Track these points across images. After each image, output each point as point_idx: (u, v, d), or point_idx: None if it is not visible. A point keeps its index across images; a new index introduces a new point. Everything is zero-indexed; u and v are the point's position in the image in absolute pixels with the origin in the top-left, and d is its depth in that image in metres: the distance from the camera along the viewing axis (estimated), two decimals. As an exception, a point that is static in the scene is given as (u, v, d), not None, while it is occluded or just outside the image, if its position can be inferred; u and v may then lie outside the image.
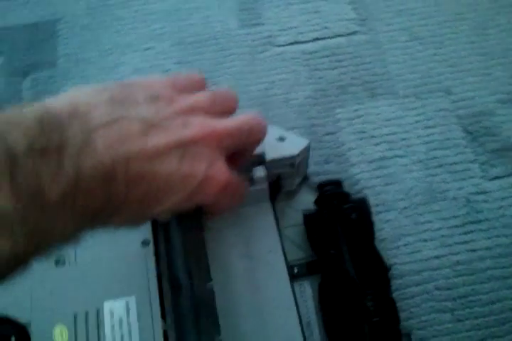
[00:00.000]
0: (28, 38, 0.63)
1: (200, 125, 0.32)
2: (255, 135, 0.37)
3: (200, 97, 0.34)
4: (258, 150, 0.43)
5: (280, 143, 0.44)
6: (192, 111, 0.33)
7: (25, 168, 0.23)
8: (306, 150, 0.45)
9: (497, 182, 0.51)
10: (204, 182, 0.32)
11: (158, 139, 0.30)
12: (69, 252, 0.39)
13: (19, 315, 0.36)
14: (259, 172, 0.43)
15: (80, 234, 0.28)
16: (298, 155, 0.44)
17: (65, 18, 0.64)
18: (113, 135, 0.28)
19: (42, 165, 0.24)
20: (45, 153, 0.24)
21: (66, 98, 0.28)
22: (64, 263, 0.38)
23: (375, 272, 0.43)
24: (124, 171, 0.27)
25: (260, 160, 0.43)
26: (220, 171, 0.33)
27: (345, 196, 0.46)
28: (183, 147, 0.31)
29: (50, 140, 0.25)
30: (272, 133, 0.45)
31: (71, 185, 0.25)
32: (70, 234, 0.27)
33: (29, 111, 0.25)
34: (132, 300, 0.37)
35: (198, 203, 0.34)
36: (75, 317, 0.36)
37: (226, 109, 0.36)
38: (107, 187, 0.27)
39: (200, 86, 0.37)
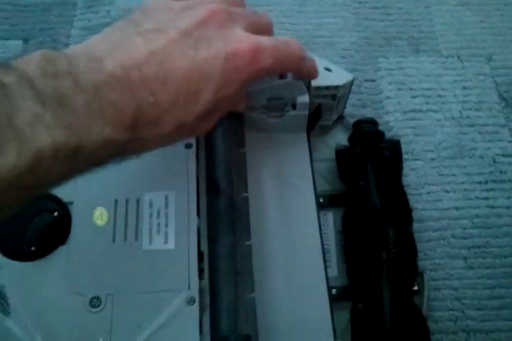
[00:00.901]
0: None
1: (241, 38, 0.30)
2: (291, 57, 0.34)
3: (240, 10, 0.32)
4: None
5: (326, 73, 0.45)
6: (232, 19, 0.31)
7: (43, 85, 0.23)
8: (350, 84, 0.46)
9: (524, 148, 0.53)
10: (229, 59, 0.29)
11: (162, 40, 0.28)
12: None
13: (62, 194, 0.38)
14: (304, 98, 0.44)
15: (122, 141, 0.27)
16: (343, 86, 0.45)
17: None
18: (117, 47, 0.27)
19: (59, 83, 0.24)
20: (58, 76, 0.24)
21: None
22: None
23: (399, 208, 0.44)
24: (139, 78, 0.27)
25: (306, 85, 0.44)
26: (241, 40, 0.30)
27: (381, 134, 0.47)
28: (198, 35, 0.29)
29: (59, 66, 0.24)
30: (320, 63, 0.46)
31: (93, 94, 0.25)
32: (109, 139, 0.26)
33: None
34: (171, 195, 0.38)
35: (242, 81, 0.31)
36: (116, 202, 0.37)
37: (264, 28, 0.34)
38: (130, 96, 0.26)
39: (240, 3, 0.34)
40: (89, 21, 0.58)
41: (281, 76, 0.42)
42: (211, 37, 0.29)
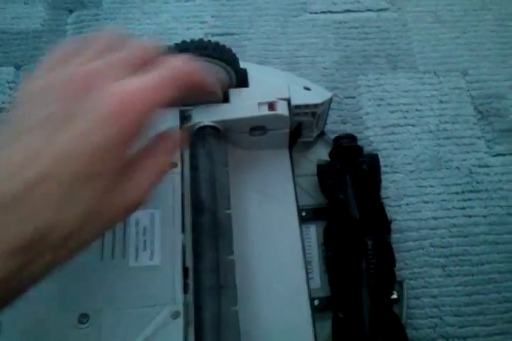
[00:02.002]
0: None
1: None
2: (183, 79, 0.29)
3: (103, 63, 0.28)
4: (284, 95, 0.45)
5: (306, 92, 0.46)
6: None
7: None
8: (329, 102, 0.47)
9: (500, 158, 0.54)
10: (108, 123, 0.26)
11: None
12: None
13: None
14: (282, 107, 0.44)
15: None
16: (322, 104, 0.46)
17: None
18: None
19: None
20: None
21: None
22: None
23: (378, 219, 0.45)
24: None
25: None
26: (110, 101, 0.26)
27: (359, 149, 0.48)
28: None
29: None
30: (300, 82, 0.48)
31: None
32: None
33: None
34: (157, 213, 0.39)
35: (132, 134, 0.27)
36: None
37: (147, 60, 0.30)
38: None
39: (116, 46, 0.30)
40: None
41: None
42: (79, 112, 0.26)
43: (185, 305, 0.36)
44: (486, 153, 0.53)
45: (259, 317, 0.39)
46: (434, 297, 0.45)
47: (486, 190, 0.51)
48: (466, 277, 0.47)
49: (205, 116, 0.44)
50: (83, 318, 0.34)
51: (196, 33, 0.58)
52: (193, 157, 0.43)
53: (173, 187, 0.40)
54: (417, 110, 0.56)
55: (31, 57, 0.58)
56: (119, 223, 0.38)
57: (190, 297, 0.37)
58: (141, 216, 0.39)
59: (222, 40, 0.41)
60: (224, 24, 0.60)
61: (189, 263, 0.38)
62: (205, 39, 0.43)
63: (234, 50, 0.42)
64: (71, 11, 0.61)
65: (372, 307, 0.41)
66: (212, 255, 0.38)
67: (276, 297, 0.41)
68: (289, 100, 0.45)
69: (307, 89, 0.46)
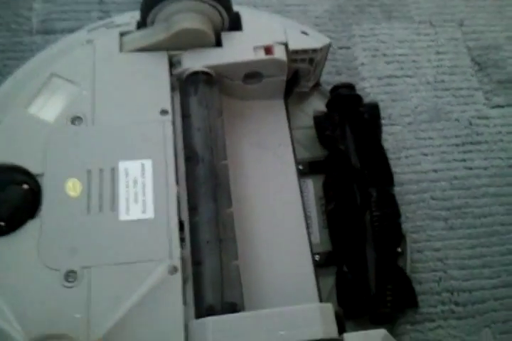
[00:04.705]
0: None
1: None
2: None
3: None
4: (281, 39, 0.40)
5: (303, 37, 0.42)
6: None
7: None
8: (327, 48, 0.43)
9: (498, 110, 0.50)
10: None
11: None
12: (86, 113, 0.36)
13: (31, 166, 0.34)
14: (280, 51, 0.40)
15: None
16: (320, 49, 0.42)
17: None
18: None
19: None
20: None
21: None
22: (81, 122, 0.36)
23: (381, 170, 0.41)
24: None
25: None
26: None
27: (359, 98, 0.44)
28: None
29: None
30: (296, 26, 0.43)
31: None
32: None
33: None
34: (148, 163, 0.35)
35: None
36: (89, 173, 0.34)
37: None
38: None
39: None
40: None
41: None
42: None
43: (183, 260, 0.32)
44: (484, 104, 0.50)
45: (261, 273, 0.36)
46: (437, 250, 0.43)
47: (486, 142, 0.48)
48: (469, 230, 0.44)
49: (196, 61, 0.39)
50: (70, 276, 0.30)
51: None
52: (185, 104, 0.39)
53: (164, 136, 0.35)
54: (414, 61, 0.52)
55: (2, 4, 0.52)
56: (106, 173, 0.34)
57: (188, 252, 0.33)
58: (130, 166, 0.34)
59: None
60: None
61: (184, 216, 0.34)
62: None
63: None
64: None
65: (377, 260, 0.37)
66: (210, 207, 0.34)
67: (277, 252, 0.37)
68: (286, 44, 0.40)
69: (304, 33, 0.42)
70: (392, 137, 0.48)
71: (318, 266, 0.38)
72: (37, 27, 0.51)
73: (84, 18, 0.51)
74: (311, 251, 0.38)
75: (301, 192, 0.41)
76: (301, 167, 0.43)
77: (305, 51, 0.41)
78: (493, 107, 0.50)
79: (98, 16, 0.51)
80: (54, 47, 0.40)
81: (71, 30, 0.48)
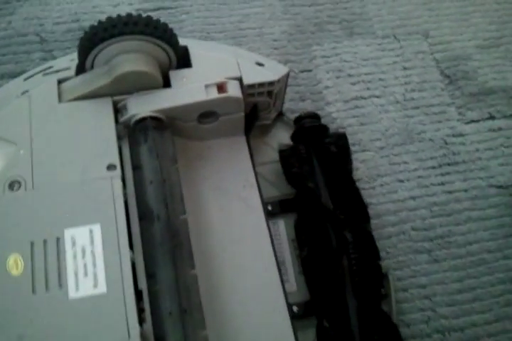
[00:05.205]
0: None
1: None
2: None
3: None
4: (234, 74, 0.37)
5: (259, 68, 0.39)
6: None
7: None
8: (286, 78, 0.40)
9: (473, 125, 0.48)
10: None
11: None
12: (25, 176, 0.32)
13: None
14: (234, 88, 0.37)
15: None
16: (278, 81, 0.38)
17: None
18: None
19: None
20: None
21: None
22: (19, 186, 0.32)
23: (354, 206, 0.38)
24: None
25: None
26: None
27: (325, 129, 0.41)
28: None
29: None
30: (250, 57, 0.40)
31: None
32: None
33: None
34: (97, 228, 0.31)
35: None
36: (32, 246, 0.30)
37: None
38: None
39: None
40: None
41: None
42: None
43: (143, 338, 0.28)
44: (458, 120, 0.48)
45: (234, 333, 0.33)
46: (423, 287, 0.40)
47: (464, 162, 0.46)
48: (455, 260, 0.41)
49: (143, 106, 0.36)
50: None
51: (125, 10, 0.49)
52: (135, 154, 0.35)
53: (112, 195, 0.32)
54: (380, 79, 0.49)
55: None
56: (50, 245, 0.30)
57: (149, 326, 0.30)
58: (77, 234, 0.31)
59: (156, 16, 0.33)
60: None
61: (143, 284, 0.31)
62: (135, 14, 0.34)
63: (170, 26, 0.34)
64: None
65: (359, 308, 0.34)
66: (169, 273, 0.31)
67: (251, 309, 0.34)
68: (240, 79, 0.37)
69: (260, 64, 0.39)
70: (364, 165, 0.45)
71: (297, 317, 0.35)
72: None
73: (25, 60, 0.47)
74: (287, 301, 0.35)
75: (272, 236, 0.37)
76: (270, 207, 0.40)
77: (261, 84, 0.38)
78: (468, 122, 0.48)
79: (40, 57, 0.47)
80: (-14, 100, 0.37)
81: (11, 76, 0.45)
